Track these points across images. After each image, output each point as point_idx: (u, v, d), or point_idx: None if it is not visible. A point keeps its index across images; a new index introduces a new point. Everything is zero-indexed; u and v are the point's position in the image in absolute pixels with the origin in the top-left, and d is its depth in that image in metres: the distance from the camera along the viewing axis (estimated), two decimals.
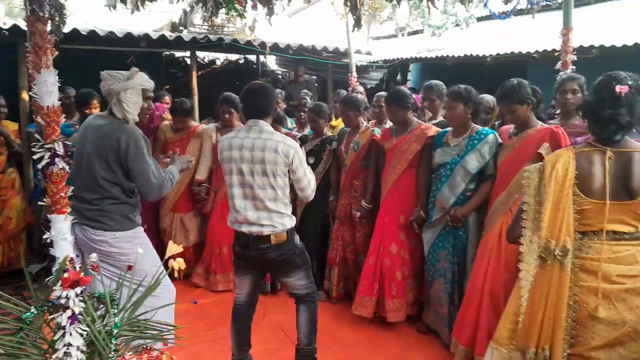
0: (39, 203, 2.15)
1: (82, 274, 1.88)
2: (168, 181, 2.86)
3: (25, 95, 4.74)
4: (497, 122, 3.76)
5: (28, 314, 1.85)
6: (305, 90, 5.84)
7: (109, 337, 1.84)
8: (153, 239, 3.52)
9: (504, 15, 5.80)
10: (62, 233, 1.91)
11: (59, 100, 1.95)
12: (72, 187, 2.73)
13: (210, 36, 6.60)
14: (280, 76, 10.11)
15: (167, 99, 5.23)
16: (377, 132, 3.88)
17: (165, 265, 2.24)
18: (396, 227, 3.62)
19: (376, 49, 8.60)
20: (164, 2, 4.81)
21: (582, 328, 1.98)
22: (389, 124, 4.09)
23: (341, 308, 3.95)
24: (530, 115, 2.99)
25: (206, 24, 7.59)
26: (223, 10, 4.63)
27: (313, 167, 3.95)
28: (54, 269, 1.88)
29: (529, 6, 5.21)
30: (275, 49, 6.94)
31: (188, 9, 7.32)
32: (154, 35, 6.07)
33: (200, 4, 4.32)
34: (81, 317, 1.83)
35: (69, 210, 1.97)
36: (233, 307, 2.95)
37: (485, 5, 5.27)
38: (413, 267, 3.63)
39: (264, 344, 3.16)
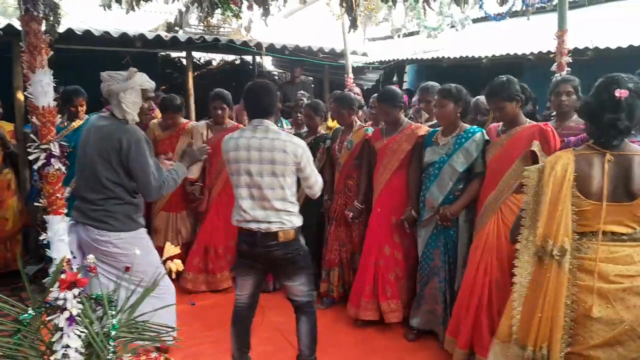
0: (35, 204, 2.14)
1: (80, 274, 1.87)
2: (171, 181, 2.86)
3: (20, 96, 4.71)
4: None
5: (26, 315, 1.85)
6: (301, 92, 5.83)
7: (107, 338, 1.84)
8: None
9: (500, 16, 5.83)
10: (58, 234, 1.90)
11: (54, 100, 1.95)
12: (75, 187, 2.76)
13: (206, 36, 6.58)
14: (276, 77, 10.11)
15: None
16: (371, 131, 3.89)
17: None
18: (389, 227, 3.63)
19: (372, 50, 8.61)
20: (159, 2, 4.81)
21: (581, 327, 2.00)
22: None
23: (337, 310, 3.94)
24: (519, 112, 2.99)
25: (202, 24, 7.58)
26: (219, 11, 4.64)
27: None
28: (50, 271, 1.87)
29: (524, 8, 5.24)
30: (271, 49, 6.93)
31: (184, 9, 7.29)
32: (150, 36, 6.04)
33: (196, 4, 4.32)
34: (79, 318, 1.82)
35: (65, 211, 1.96)
36: (234, 309, 2.93)
37: (480, 7, 5.29)
38: (406, 268, 3.63)
39: (263, 346, 3.15)
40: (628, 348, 1.94)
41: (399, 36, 7.46)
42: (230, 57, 9.68)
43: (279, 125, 4.78)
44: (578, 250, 2.03)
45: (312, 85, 8.09)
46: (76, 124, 4.21)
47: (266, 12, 4.49)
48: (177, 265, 2.16)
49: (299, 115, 4.72)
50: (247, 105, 2.85)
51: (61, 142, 2.00)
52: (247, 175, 2.68)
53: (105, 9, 3.90)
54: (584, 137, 2.80)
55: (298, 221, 2.78)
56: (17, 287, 4.23)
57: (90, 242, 2.65)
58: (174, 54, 9.20)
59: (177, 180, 2.92)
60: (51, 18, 2.97)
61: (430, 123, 4.02)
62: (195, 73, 8.09)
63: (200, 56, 9.55)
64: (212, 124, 4.44)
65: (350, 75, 6.50)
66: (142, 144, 2.70)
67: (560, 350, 1.98)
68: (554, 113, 3.55)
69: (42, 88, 1.89)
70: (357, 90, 5.99)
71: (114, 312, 1.94)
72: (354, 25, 4.84)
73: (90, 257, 2.01)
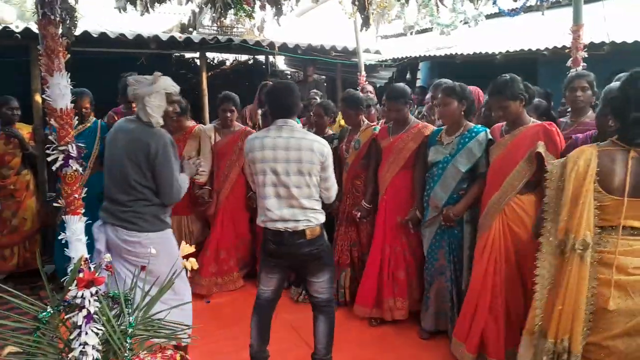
0: (54, 204, 2.18)
1: (98, 273, 1.90)
2: (184, 189, 2.92)
3: (38, 98, 4.80)
4: None
5: (44, 313, 1.88)
6: (314, 90, 5.84)
7: (124, 336, 1.86)
8: None
9: (514, 12, 5.76)
10: (77, 234, 1.93)
11: (71, 102, 1.98)
12: (104, 189, 2.81)
13: (220, 37, 6.62)
14: (289, 76, 10.13)
15: None
16: (378, 129, 3.87)
17: None
18: (395, 226, 3.63)
19: (385, 47, 8.58)
20: (173, 4, 4.84)
21: (600, 319, 2.01)
22: None
23: (350, 308, 3.94)
24: (522, 111, 2.94)
25: (215, 25, 7.63)
26: (232, 11, 4.66)
27: None
28: (69, 270, 1.91)
29: (538, 3, 5.20)
30: (284, 49, 6.95)
31: (197, 10, 7.37)
32: (164, 37, 6.10)
33: (209, 5, 4.34)
34: (96, 316, 1.86)
35: (82, 211, 1.99)
36: (256, 301, 2.95)
37: (494, 3, 5.25)
38: (414, 266, 3.64)
39: (278, 344, 3.15)
40: None
41: (411, 33, 7.42)
42: (243, 57, 9.73)
43: None
44: (598, 244, 2.05)
45: (325, 84, 8.09)
46: (82, 127, 4.24)
47: (279, 12, 4.50)
48: (192, 263, 2.19)
49: (311, 114, 4.73)
50: (271, 106, 2.87)
51: (79, 144, 2.04)
52: (273, 174, 2.70)
53: (120, 12, 3.94)
54: (592, 134, 2.76)
55: (323, 218, 2.82)
56: (36, 286, 4.32)
57: (118, 243, 2.70)
58: (188, 55, 9.28)
59: (185, 189, 2.96)
60: (68, 21, 3.01)
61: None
62: (209, 73, 8.15)
63: (213, 56, 9.63)
64: (219, 127, 4.44)
65: (363, 73, 6.49)
66: (169, 149, 2.75)
67: (581, 342, 2.00)
68: (569, 109, 3.51)
69: (60, 91, 1.91)
70: (370, 88, 5.98)
71: (130, 310, 1.97)
72: (366, 23, 4.82)
73: (107, 256, 2.04)
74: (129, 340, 1.86)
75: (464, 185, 3.25)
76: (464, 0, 5.47)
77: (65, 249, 1.94)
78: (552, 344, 2.04)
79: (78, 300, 1.84)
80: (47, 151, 1.98)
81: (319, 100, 5.10)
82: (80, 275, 1.86)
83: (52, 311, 1.89)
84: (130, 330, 1.90)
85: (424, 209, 3.47)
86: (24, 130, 4.64)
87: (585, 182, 2.03)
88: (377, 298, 3.66)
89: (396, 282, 3.62)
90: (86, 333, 1.82)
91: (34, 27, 4.73)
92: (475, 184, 3.20)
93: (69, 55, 1.96)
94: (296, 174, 2.69)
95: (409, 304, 3.63)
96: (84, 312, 1.83)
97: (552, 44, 5.60)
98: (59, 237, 1.97)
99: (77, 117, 1.90)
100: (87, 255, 1.94)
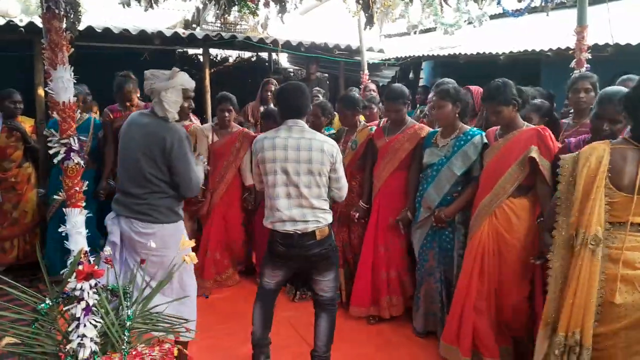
0: (54, 197, 2.19)
1: (97, 266, 1.91)
2: (201, 180, 2.96)
3: (41, 92, 4.81)
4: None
5: (43, 305, 1.89)
6: (317, 88, 5.85)
7: (122, 329, 1.87)
8: None
9: (518, 13, 5.74)
10: (77, 226, 1.94)
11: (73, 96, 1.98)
12: (118, 181, 2.83)
13: (223, 34, 6.62)
14: (292, 74, 10.12)
15: None
16: (374, 130, 3.86)
17: None
18: (388, 226, 3.63)
19: (388, 46, 8.57)
20: (177, 0, 4.85)
21: (607, 312, 2.05)
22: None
23: (346, 308, 3.93)
24: (515, 116, 2.94)
25: (219, 21, 7.64)
26: (235, 8, 4.66)
27: None
28: (68, 262, 1.92)
29: (543, 4, 5.18)
30: (287, 46, 6.95)
31: (201, 6, 7.38)
32: (168, 33, 6.10)
33: (213, 2, 4.35)
34: (95, 309, 1.86)
35: (83, 204, 2.00)
36: (259, 290, 2.97)
37: (498, 3, 5.23)
38: (406, 265, 3.64)
39: (276, 339, 3.16)
40: None
41: (415, 33, 7.40)
42: (246, 54, 9.71)
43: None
44: (607, 240, 2.08)
45: (328, 82, 8.09)
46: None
47: (283, 9, 4.50)
48: (191, 257, 2.19)
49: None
50: (281, 106, 2.88)
51: (80, 137, 2.04)
52: (284, 174, 2.72)
53: (124, 7, 3.95)
54: (584, 138, 2.76)
55: (330, 218, 2.84)
56: (36, 278, 4.34)
57: (132, 236, 2.72)
58: (191, 51, 9.27)
59: (201, 182, 3.00)
60: (72, 16, 3.02)
61: None
62: (212, 70, 8.14)
63: (217, 53, 9.61)
64: (217, 128, 4.40)
65: (366, 71, 6.49)
66: (185, 143, 2.77)
67: (591, 335, 2.04)
68: (572, 110, 3.51)
69: (63, 84, 1.93)
70: (373, 86, 5.98)
71: (128, 303, 1.98)
72: (370, 22, 4.83)
73: (107, 250, 2.05)
74: (127, 333, 1.87)
75: (458, 188, 3.25)
76: (468, 0, 5.47)
77: (65, 241, 1.94)
78: (562, 338, 2.07)
79: (77, 293, 1.85)
80: (49, 144, 1.99)
81: (321, 98, 5.10)
82: (80, 267, 1.86)
83: (50, 303, 1.90)
84: (128, 323, 1.90)
85: (415, 210, 3.47)
86: (27, 124, 4.65)
87: (597, 179, 2.06)
88: (373, 296, 3.67)
89: (390, 280, 3.63)
90: (84, 325, 1.83)
91: (38, 21, 4.74)
92: (469, 187, 3.21)
93: (72, 50, 1.97)
94: (306, 174, 2.71)
95: (403, 301, 3.66)
96: (83, 304, 1.84)
97: (556, 45, 5.58)
98: (59, 230, 1.98)
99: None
100: (87, 248, 1.95)
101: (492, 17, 6.52)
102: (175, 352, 1.98)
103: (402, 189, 3.61)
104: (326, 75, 8.44)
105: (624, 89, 2.53)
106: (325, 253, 2.81)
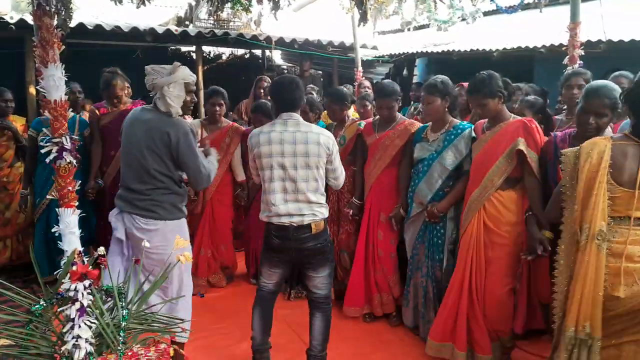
0: (48, 197, 2.17)
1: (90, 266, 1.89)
2: (213, 171, 2.96)
3: (32, 90, 4.77)
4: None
5: (37, 306, 1.87)
6: (311, 85, 5.83)
7: (118, 329, 1.86)
8: None
9: (511, 9, 5.77)
10: (70, 227, 1.92)
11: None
12: (121, 177, 2.81)
13: (216, 31, 6.60)
14: (285, 71, 10.10)
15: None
16: (363, 125, 3.82)
17: None
18: (380, 223, 3.62)
19: (382, 43, 8.56)
20: None
21: (608, 304, 2.08)
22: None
23: (338, 306, 3.93)
24: (502, 108, 2.93)
25: (212, 18, 7.59)
26: (228, 5, 4.64)
27: None
28: (62, 262, 1.90)
29: (536, 0, 5.18)
30: (280, 43, 6.93)
31: (194, 3, 7.34)
32: (160, 30, 6.08)
33: None
34: (90, 309, 1.85)
35: (76, 204, 1.98)
36: (257, 294, 2.94)
37: (492, 0, 5.23)
38: (397, 264, 3.63)
39: (273, 338, 3.16)
40: None
41: (409, 29, 7.39)
42: (239, 51, 9.69)
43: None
44: (609, 234, 2.10)
45: (322, 79, 8.07)
46: None
47: (276, 6, 4.49)
48: (186, 257, 2.18)
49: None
50: (275, 100, 2.85)
51: (73, 136, 2.02)
52: (280, 169, 2.70)
53: (116, 4, 3.91)
54: (571, 132, 2.76)
55: (326, 212, 2.83)
56: (29, 279, 4.30)
57: (134, 233, 2.71)
58: (184, 48, 9.23)
59: (216, 170, 3.01)
60: (63, 13, 2.99)
61: None
62: (205, 67, 8.11)
63: (210, 50, 9.58)
64: (206, 123, 4.30)
65: (360, 68, 6.48)
66: (190, 137, 2.76)
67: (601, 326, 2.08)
68: (565, 106, 3.52)
69: (55, 82, 1.90)
70: (367, 83, 5.97)
71: (123, 304, 1.96)
72: (363, 18, 4.82)
73: (100, 250, 2.03)
74: (122, 334, 1.85)
75: (450, 183, 3.24)
76: None
77: (59, 242, 1.92)
78: (572, 332, 2.10)
79: (71, 293, 1.83)
80: (41, 143, 1.96)
81: (315, 95, 5.09)
82: (74, 268, 1.85)
83: (45, 304, 1.89)
84: (123, 323, 1.89)
85: (408, 206, 3.46)
86: (18, 123, 4.61)
87: (599, 174, 2.08)
88: (366, 295, 3.67)
89: (377, 278, 3.62)
90: (79, 326, 1.81)
91: (29, 18, 4.70)
92: (460, 181, 3.19)
93: (63, 47, 1.95)
94: (303, 167, 2.69)
95: (393, 299, 3.65)
96: (77, 305, 1.83)
97: (549, 42, 5.61)
98: (52, 230, 1.96)
99: None
100: (80, 248, 1.93)
101: (485, 13, 6.53)
102: (172, 353, 1.97)
103: (394, 185, 3.59)
104: (320, 72, 8.41)
105: (610, 83, 2.55)
106: (321, 248, 2.79)
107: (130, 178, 2.76)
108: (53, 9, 1.91)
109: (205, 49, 8.68)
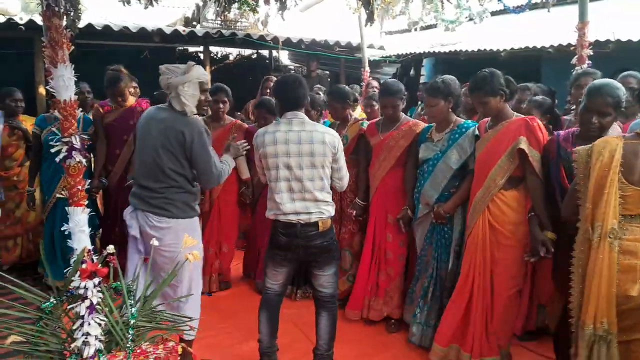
0: (57, 195, 2.19)
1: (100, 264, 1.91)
2: (226, 171, 2.97)
3: (42, 90, 4.81)
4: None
5: (47, 303, 1.90)
6: (318, 85, 5.85)
7: (127, 327, 1.88)
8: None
9: (519, 9, 5.75)
10: (80, 225, 1.94)
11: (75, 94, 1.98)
12: (135, 175, 2.85)
13: (223, 31, 6.62)
14: (292, 71, 10.12)
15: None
16: (366, 125, 3.80)
17: None
18: (386, 225, 3.59)
19: (389, 43, 8.56)
20: None
21: (620, 300, 2.10)
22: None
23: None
24: (504, 106, 2.90)
25: (219, 18, 7.63)
26: (235, 5, 4.66)
27: None
28: (72, 261, 1.92)
29: (544, 0, 5.16)
30: (287, 43, 6.95)
31: (201, 3, 7.36)
32: (168, 30, 6.11)
33: None
34: (99, 307, 1.87)
35: (85, 202, 2.00)
36: (263, 296, 2.94)
37: (499, 0, 5.22)
38: (402, 267, 3.59)
39: (280, 337, 3.18)
40: None
41: (416, 29, 7.38)
42: (247, 52, 9.73)
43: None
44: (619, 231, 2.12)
45: (329, 79, 8.09)
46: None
47: (283, 7, 4.50)
48: (194, 256, 2.19)
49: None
50: (280, 98, 2.84)
51: (82, 135, 2.04)
52: (286, 168, 2.70)
53: (124, 4, 3.94)
54: (574, 131, 2.74)
55: (333, 210, 2.83)
56: (39, 277, 4.34)
57: (148, 231, 2.73)
58: (191, 49, 9.28)
59: (229, 170, 3.02)
60: (72, 13, 3.02)
61: None
62: (213, 67, 8.14)
63: (217, 50, 9.62)
64: (209, 121, 4.23)
65: (367, 68, 6.48)
66: (204, 136, 2.78)
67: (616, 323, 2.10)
68: (574, 106, 3.50)
69: (64, 82, 1.92)
70: (375, 83, 5.98)
71: (132, 302, 1.98)
72: (370, 18, 4.81)
73: (110, 248, 2.04)
74: (131, 332, 1.87)
75: (456, 183, 3.21)
76: None
77: (68, 240, 1.94)
78: (591, 329, 2.10)
79: (81, 291, 1.85)
80: (51, 143, 1.99)
81: (322, 95, 5.09)
82: (84, 266, 1.87)
83: (55, 301, 1.91)
84: (132, 321, 1.91)
85: (415, 207, 3.44)
86: (28, 123, 4.64)
87: (610, 173, 2.09)
88: (365, 299, 3.64)
89: (384, 281, 3.59)
90: (89, 323, 1.83)
91: (38, 19, 4.74)
92: (466, 181, 3.16)
93: (72, 47, 1.96)
94: (309, 167, 2.69)
95: (390, 304, 3.59)
96: (87, 302, 1.84)
97: (557, 42, 5.58)
98: (62, 229, 1.98)
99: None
100: (90, 247, 1.95)
101: (493, 13, 6.50)
102: (180, 350, 1.98)
103: (399, 187, 3.56)
104: (327, 72, 8.44)
105: (613, 82, 2.52)
106: (327, 245, 2.79)
107: (145, 176, 2.78)
108: (62, 10, 1.93)
109: (213, 49, 8.71)
